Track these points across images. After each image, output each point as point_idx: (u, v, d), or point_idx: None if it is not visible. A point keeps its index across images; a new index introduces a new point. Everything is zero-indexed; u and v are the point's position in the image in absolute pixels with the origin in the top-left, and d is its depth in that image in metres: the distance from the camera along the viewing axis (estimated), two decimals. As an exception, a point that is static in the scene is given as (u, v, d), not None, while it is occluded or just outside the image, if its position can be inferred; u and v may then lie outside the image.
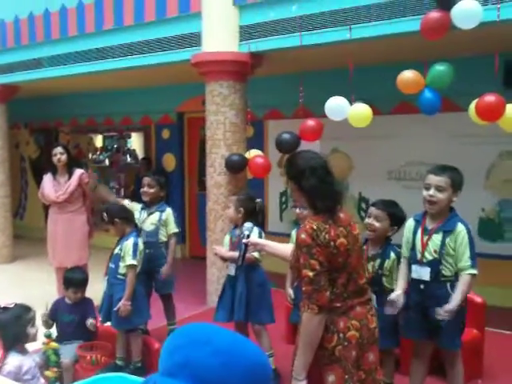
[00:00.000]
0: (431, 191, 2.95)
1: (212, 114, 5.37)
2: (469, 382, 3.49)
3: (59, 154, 5.36)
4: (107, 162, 9.43)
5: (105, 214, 4.04)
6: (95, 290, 4.31)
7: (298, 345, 2.38)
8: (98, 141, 9.69)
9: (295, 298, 3.67)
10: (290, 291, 3.82)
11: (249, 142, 5.61)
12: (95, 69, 6.42)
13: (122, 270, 3.87)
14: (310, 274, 2.25)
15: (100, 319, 3.98)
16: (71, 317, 3.89)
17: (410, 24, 4.19)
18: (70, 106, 9.33)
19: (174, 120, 8.20)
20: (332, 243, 2.28)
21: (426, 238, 3.01)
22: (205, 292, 5.64)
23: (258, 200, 3.87)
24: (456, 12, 3.68)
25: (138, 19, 5.87)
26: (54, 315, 3.92)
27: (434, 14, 3.81)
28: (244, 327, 3.82)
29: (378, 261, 3.23)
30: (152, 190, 4.43)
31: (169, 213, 4.46)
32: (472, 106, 4.00)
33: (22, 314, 2.93)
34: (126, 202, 4.55)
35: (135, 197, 7.24)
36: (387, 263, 3.22)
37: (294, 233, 3.51)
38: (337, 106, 4.54)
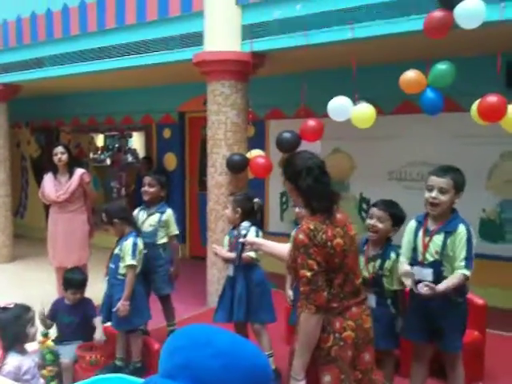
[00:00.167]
0: (434, 193, 2.94)
1: (213, 114, 5.36)
2: (470, 384, 3.48)
3: (60, 154, 5.36)
4: (108, 161, 9.44)
5: (103, 215, 4.03)
6: (95, 290, 4.30)
7: (294, 345, 2.40)
8: (99, 140, 9.70)
9: (294, 299, 3.66)
10: (290, 292, 3.82)
11: (250, 142, 5.60)
12: (96, 68, 6.41)
13: (121, 271, 3.86)
14: (308, 274, 2.27)
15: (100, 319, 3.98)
16: (71, 318, 3.89)
17: (413, 23, 4.17)
18: (71, 105, 9.33)
19: (175, 119, 8.20)
20: (329, 243, 2.29)
21: (427, 239, 2.99)
22: (205, 292, 5.63)
23: (256, 199, 3.87)
24: (459, 11, 3.67)
25: (140, 18, 5.87)
26: (54, 315, 3.92)
27: (437, 14, 3.80)
28: (244, 328, 3.82)
29: (379, 261, 3.22)
30: (152, 190, 4.41)
31: (169, 214, 4.44)
32: (474, 106, 3.99)
33: (21, 314, 2.92)
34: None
35: (136, 196, 7.26)
36: (387, 263, 3.21)
37: (294, 233, 3.51)
38: (340, 107, 4.52)
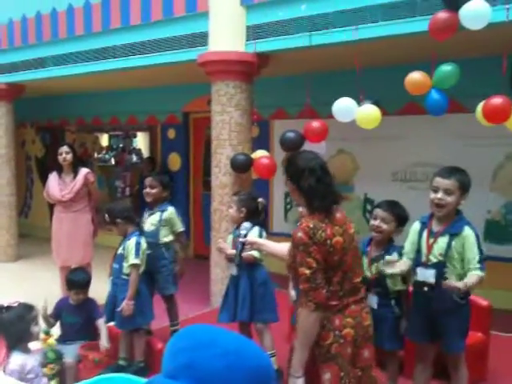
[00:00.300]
0: (439, 194, 2.92)
1: (217, 114, 5.36)
2: (473, 386, 3.47)
3: (65, 153, 5.37)
4: (113, 161, 9.46)
5: (106, 215, 4.03)
6: (99, 289, 4.30)
7: (294, 342, 2.42)
8: (104, 140, 9.72)
9: (297, 299, 3.66)
10: (293, 292, 3.81)
11: (254, 143, 5.60)
12: (101, 68, 6.42)
13: (125, 270, 3.87)
14: (307, 271, 2.30)
15: (104, 319, 3.98)
16: (75, 319, 3.89)
17: (418, 24, 4.16)
18: (76, 105, 9.35)
19: (179, 120, 8.20)
20: (328, 241, 2.32)
21: (431, 240, 2.98)
22: (209, 292, 5.63)
23: (260, 199, 3.86)
24: (464, 12, 3.66)
25: (145, 18, 5.88)
26: (58, 314, 3.93)
27: (443, 15, 3.78)
28: (247, 327, 3.82)
29: (381, 262, 3.21)
30: (154, 191, 4.39)
31: (171, 212, 4.40)
32: (479, 107, 3.98)
33: (25, 313, 2.93)
34: None
35: (140, 196, 7.25)
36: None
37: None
38: (345, 108, 4.52)
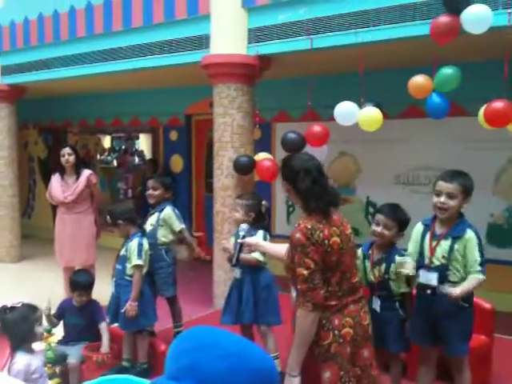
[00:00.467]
0: (442, 198, 2.93)
1: (219, 117, 5.37)
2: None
3: (67, 155, 5.39)
4: (115, 162, 9.47)
5: (108, 217, 4.04)
6: (102, 291, 4.31)
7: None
8: (106, 142, 9.73)
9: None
10: (294, 294, 3.80)
11: (256, 145, 5.61)
12: (103, 70, 6.44)
13: (129, 271, 3.88)
14: (305, 272, 2.33)
15: (107, 320, 3.98)
16: (78, 320, 3.90)
17: (419, 28, 4.17)
18: (78, 106, 9.37)
19: (182, 122, 8.21)
20: (326, 242, 2.35)
21: (434, 243, 2.99)
22: (211, 294, 5.64)
23: (264, 202, 3.87)
24: (466, 16, 3.66)
25: (147, 21, 5.89)
26: (61, 315, 3.94)
27: (444, 19, 3.79)
28: (249, 330, 3.82)
29: (384, 265, 3.21)
30: (156, 193, 4.41)
31: (167, 212, 4.37)
32: (481, 111, 3.98)
33: (29, 314, 2.93)
34: None
35: (142, 197, 7.26)
36: (393, 267, 3.19)
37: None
38: (346, 111, 4.53)
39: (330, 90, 5.90)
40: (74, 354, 3.75)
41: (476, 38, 3.81)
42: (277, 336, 3.84)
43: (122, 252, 3.94)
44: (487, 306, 3.77)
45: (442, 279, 2.94)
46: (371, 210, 6.28)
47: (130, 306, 3.77)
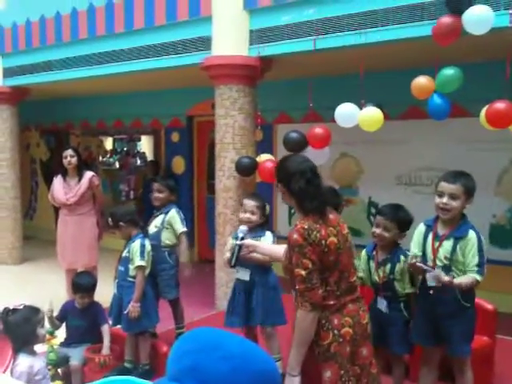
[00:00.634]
0: (445, 199, 2.92)
1: (221, 118, 5.37)
2: (479, 390, 3.46)
3: (69, 157, 5.40)
4: (117, 164, 9.48)
5: (109, 219, 4.05)
6: (104, 292, 4.31)
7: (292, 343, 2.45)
8: (108, 143, 9.74)
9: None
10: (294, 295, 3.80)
11: (258, 146, 5.61)
12: (105, 72, 6.45)
13: (132, 273, 3.88)
14: (303, 272, 2.34)
15: (110, 322, 3.98)
16: (80, 322, 3.90)
17: (422, 29, 4.17)
18: (80, 108, 9.38)
19: (183, 123, 8.22)
20: (323, 242, 2.36)
21: (436, 244, 2.99)
22: (213, 295, 5.64)
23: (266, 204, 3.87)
24: (468, 17, 3.66)
25: (149, 23, 5.90)
26: (63, 317, 3.94)
27: (446, 19, 3.79)
28: (253, 331, 3.81)
29: (389, 265, 3.20)
30: (162, 195, 4.41)
31: (172, 214, 4.38)
32: (483, 112, 3.98)
33: (31, 316, 2.93)
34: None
35: (144, 199, 7.27)
36: (398, 267, 3.19)
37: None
38: (347, 113, 4.53)
39: (331, 91, 5.91)
40: (77, 355, 3.75)
41: (478, 39, 3.81)
42: (278, 336, 3.83)
43: (125, 253, 3.95)
44: (489, 306, 3.77)
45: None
46: (373, 210, 6.28)
47: (132, 307, 3.78)
